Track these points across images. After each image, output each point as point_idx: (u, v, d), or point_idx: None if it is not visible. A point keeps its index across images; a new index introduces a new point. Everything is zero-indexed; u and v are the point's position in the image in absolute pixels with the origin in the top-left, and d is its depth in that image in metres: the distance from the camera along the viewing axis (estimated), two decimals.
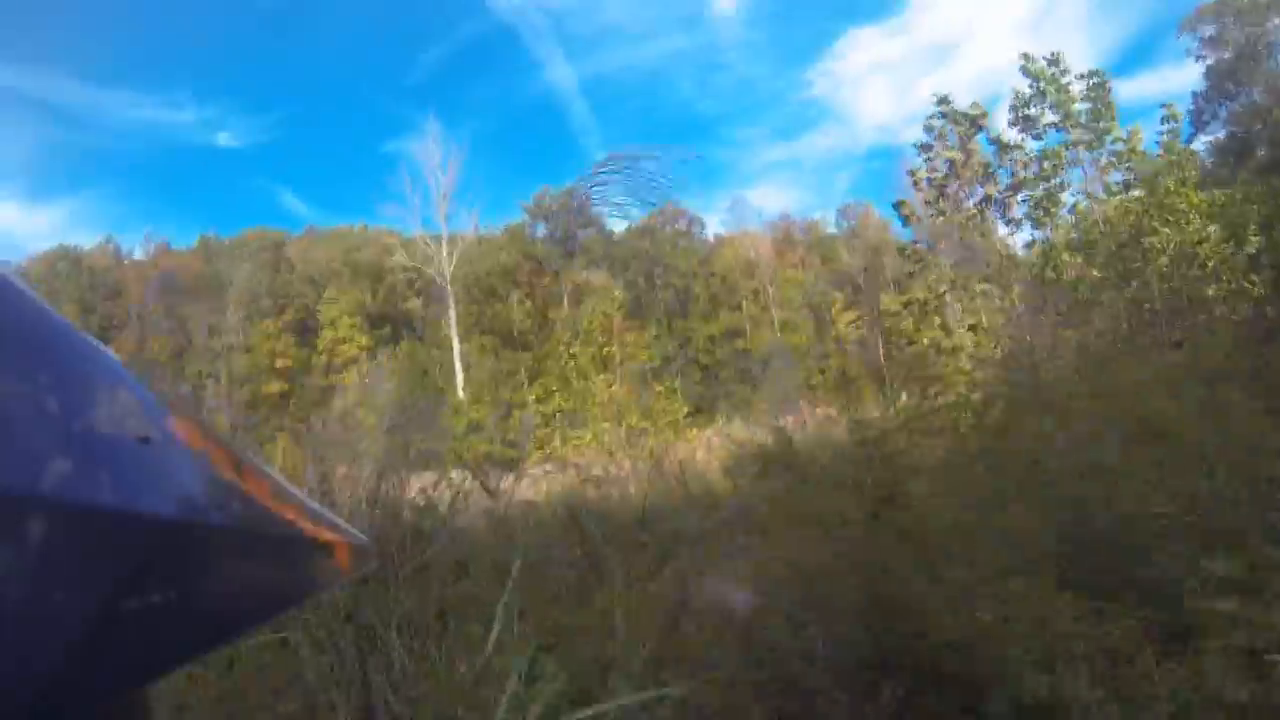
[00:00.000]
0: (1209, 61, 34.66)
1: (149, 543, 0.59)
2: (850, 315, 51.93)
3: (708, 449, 14.17)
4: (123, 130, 78.29)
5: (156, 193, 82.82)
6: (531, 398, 15.40)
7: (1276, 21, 32.02)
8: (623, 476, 12.42)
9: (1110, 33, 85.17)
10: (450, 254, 39.95)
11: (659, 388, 15.69)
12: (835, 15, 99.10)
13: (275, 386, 46.45)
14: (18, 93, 70.47)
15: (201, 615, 0.64)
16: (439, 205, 40.34)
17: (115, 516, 0.56)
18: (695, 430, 16.35)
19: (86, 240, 64.71)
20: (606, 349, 16.43)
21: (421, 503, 6.62)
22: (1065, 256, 13.37)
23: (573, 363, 15.55)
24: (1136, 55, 77.06)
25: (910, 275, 16.68)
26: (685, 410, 15.95)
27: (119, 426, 0.61)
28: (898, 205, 15.95)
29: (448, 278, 39.10)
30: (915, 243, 15.80)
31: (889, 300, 55.13)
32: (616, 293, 16.56)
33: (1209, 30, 35.05)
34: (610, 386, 15.11)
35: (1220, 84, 33.74)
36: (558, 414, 16.11)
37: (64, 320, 0.63)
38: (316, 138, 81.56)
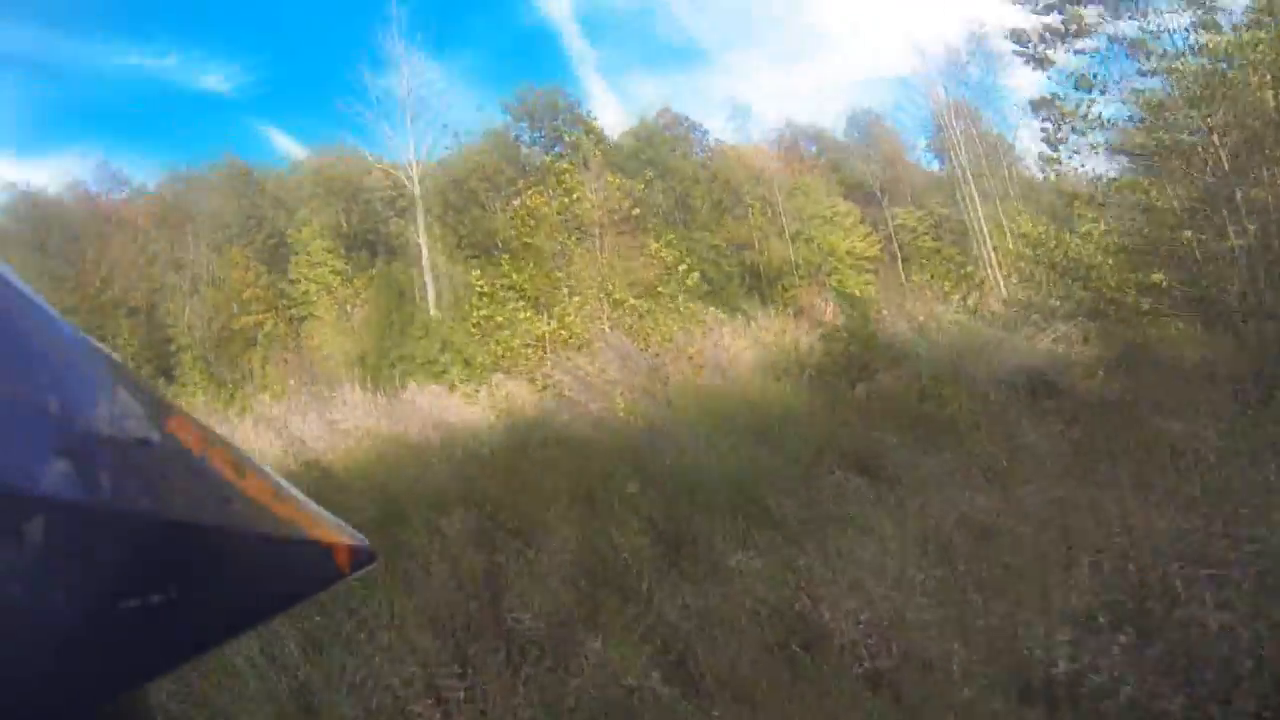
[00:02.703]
0: None
1: (149, 543, 0.59)
2: (865, 229, 49.27)
3: (733, 340, 10.19)
4: (106, 79, 77.89)
5: (141, 138, 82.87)
6: (506, 306, 11.51)
7: None
8: (605, 383, 8.52)
9: None
10: (419, 167, 37.42)
11: (656, 246, 11.46)
12: None
13: (246, 319, 43.19)
14: None
15: (201, 615, 0.66)
16: (407, 109, 37.23)
17: (115, 516, 0.57)
18: (713, 313, 12.24)
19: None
20: (578, 196, 12.11)
21: None
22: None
23: (528, 222, 11.40)
24: None
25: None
26: (694, 276, 11.68)
27: (119, 427, 0.60)
28: (1014, 34, 12.04)
29: (415, 182, 36.15)
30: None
31: (905, 215, 52.59)
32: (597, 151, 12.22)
33: None
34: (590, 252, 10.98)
35: None
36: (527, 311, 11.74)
37: (65, 320, 0.63)
38: (302, 75, 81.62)
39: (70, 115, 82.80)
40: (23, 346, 0.56)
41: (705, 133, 51.16)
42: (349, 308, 39.96)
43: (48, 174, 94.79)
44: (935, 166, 56.88)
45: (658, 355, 8.78)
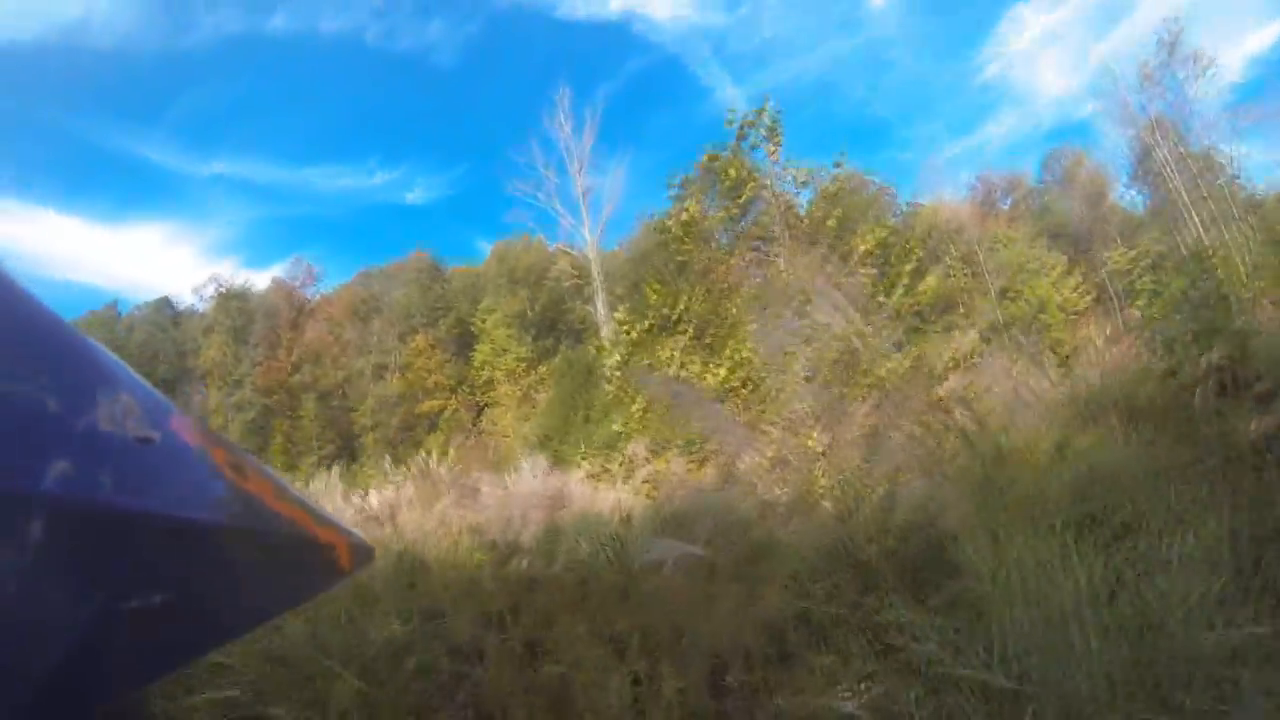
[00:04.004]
0: None
1: (149, 543, 0.59)
2: (1075, 279, 45.00)
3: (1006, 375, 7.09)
4: (323, 200, 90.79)
5: (353, 249, 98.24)
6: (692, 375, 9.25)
7: None
8: (800, 456, 5.74)
9: None
10: (594, 245, 37.81)
11: (865, 247, 8.83)
12: None
13: (429, 405, 43.32)
14: (231, 179, 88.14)
15: (201, 615, 0.66)
16: (578, 183, 37.80)
17: (115, 516, 0.57)
18: (963, 336, 9.41)
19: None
20: (750, 192, 9.67)
21: None
22: None
23: (684, 240, 9.02)
24: None
25: None
26: (928, 281, 8.92)
27: (119, 427, 0.60)
28: None
29: (594, 263, 35.87)
30: None
31: (1118, 256, 47.77)
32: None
33: None
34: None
35: None
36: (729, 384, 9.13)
37: (65, 322, 0.62)
38: (496, 185, 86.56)
39: (290, 231, 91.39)
40: (23, 347, 0.55)
41: (895, 194, 48.55)
42: (532, 392, 39.39)
43: (265, 281, 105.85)
44: (1139, 207, 52.32)
45: (879, 402, 5.94)
